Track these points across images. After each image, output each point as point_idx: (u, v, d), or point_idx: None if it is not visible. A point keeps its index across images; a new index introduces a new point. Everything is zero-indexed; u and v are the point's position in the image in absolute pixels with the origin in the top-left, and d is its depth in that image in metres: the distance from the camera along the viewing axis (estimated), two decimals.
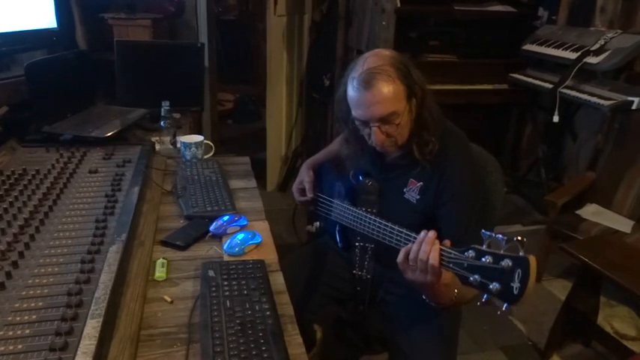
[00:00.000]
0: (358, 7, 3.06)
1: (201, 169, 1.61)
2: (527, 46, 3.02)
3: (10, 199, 1.21)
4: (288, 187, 3.32)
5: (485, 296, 0.89)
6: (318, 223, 1.54)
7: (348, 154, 1.36)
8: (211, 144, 1.79)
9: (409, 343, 1.23)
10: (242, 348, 0.85)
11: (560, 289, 2.41)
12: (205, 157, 1.76)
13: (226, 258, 1.17)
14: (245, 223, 1.31)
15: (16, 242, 1.05)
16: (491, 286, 0.86)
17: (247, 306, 0.96)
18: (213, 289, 1.01)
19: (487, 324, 2.17)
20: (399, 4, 2.77)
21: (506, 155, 3.63)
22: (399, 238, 1.12)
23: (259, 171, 2.87)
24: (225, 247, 1.20)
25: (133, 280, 1.02)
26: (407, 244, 1.05)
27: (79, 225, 1.15)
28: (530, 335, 2.14)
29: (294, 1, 3.25)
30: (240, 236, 1.22)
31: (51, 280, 0.94)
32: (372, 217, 1.22)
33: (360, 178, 1.32)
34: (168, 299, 1.02)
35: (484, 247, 0.89)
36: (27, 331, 0.81)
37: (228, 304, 0.96)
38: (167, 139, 1.83)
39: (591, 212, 2.37)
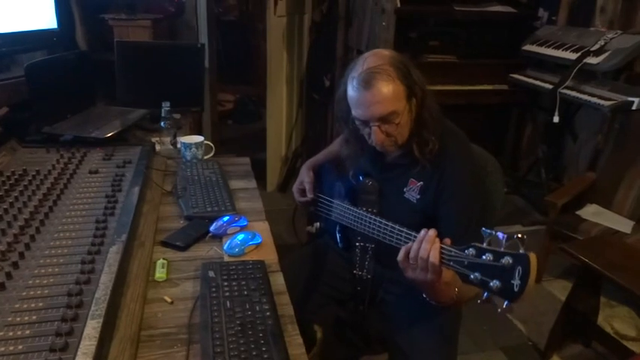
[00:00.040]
0: (358, 8, 3.06)
1: (202, 170, 1.61)
2: (528, 47, 3.02)
3: (11, 200, 1.21)
4: (289, 187, 3.32)
5: (485, 294, 0.89)
6: (318, 223, 1.54)
7: (348, 154, 1.37)
8: (211, 144, 1.80)
9: (409, 343, 1.23)
10: (242, 348, 0.85)
11: (560, 289, 2.41)
12: (205, 157, 1.76)
13: (226, 258, 1.18)
14: (245, 223, 1.31)
15: (17, 243, 1.05)
16: (491, 284, 0.86)
17: (247, 306, 0.96)
18: (214, 289, 1.01)
19: (487, 324, 2.17)
20: (399, 5, 2.77)
21: (507, 155, 3.63)
22: (399, 237, 1.12)
23: (259, 171, 2.88)
24: (225, 247, 1.20)
25: (133, 280, 1.02)
26: (407, 243, 1.05)
27: (79, 225, 1.15)
28: (530, 335, 2.14)
29: (294, 1, 3.25)
30: (241, 237, 1.22)
31: (51, 280, 0.94)
32: (373, 217, 1.22)
33: (360, 178, 1.32)
34: (169, 300, 1.02)
35: (484, 245, 0.90)
36: (27, 332, 0.81)
37: (228, 304, 0.96)
38: (167, 139, 1.83)
39: (591, 213, 2.37)
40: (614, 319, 2.22)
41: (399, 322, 1.29)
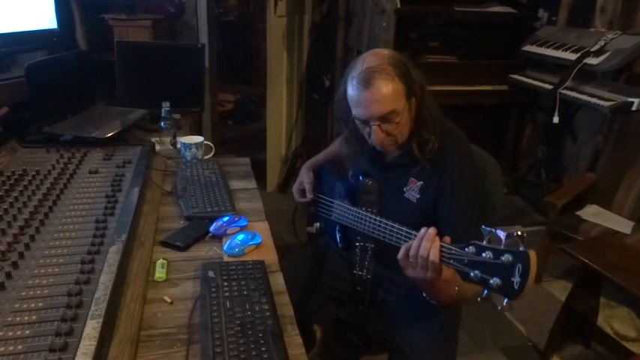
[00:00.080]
0: (358, 8, 3.06)
1: (202, 170, 1.61)
2: (527, 47, 3.02)
3: (10, 200, 1.21)
4: (288, 187, 3.32)
5: (485, 292, 0.89)
6: (318, 224, 1.54)
7: (347, 153, 1.37)
8: (211, 145, 1.80)
9: (409, 343, 1.23)
10: (242, 349, 0.85)
11: (560, 290, 2.41)
12: (205, 157, 1.76)
13: (226, 259, 1.18)
14: (245, 223, 1.31)
15: (16, 243, 1.05)
16: (491, 281, 0.86)
17: (247, 307, 0.96)
18: (213, 289, 1.01)
19: (487, 325, 2.16)
20: (398, 5, 2.77)
21: (506, 156, 3.63)
22: (399, 236, 1.12)
23: (259, 172, 2.87)
24: (225, 247, 1.20)
25: (132, 280, 1.02)
26: (407, 241, 1.05)
27: (79, 225, 1.15)
28: (530, 336, 2.14)
29: (294, 1, 3.25)
30: (240, 237, 1.22)
31: (51, 280, 0.94)
32: (372, 216, 1.22)
33: (360, 177, 1.32)
34: (168, 300, 1.02)
35: (484, 243, 0.90)
36: (27, 332, 0.81)
37: (228, 304, 0.96)
38: (167, 139, 1.83)
39: (591, 213, 2.37)
40: (613, 319, 2.22)
41: (398, 322, 1.29)
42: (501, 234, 0.88)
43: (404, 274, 1.05)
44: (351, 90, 1.16)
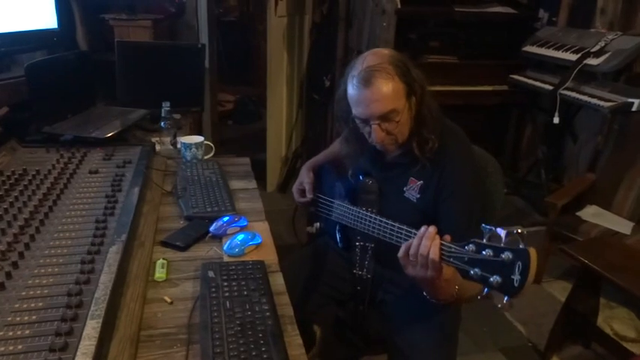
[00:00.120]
0: (358, 8, 3.06)
1: (202, 170, 1.61)
2: (528, 48, 3.02)
3: (11, 200, 1.21)
4: (288, 188, 3.32)
5: (485, 290, 0.89)
6: (318, 224, 1.54)
7: (348, 153, 1.37)
8: (211, 145, 1.80)
9: (409, 343, 1.23)
10: (242, 349, 0.85)
11: (560, 290, 2.41)
12: (205, 157, 1.76)
13: (226, 259, 1.17)
14: (245, 223, 1.31)
15: (16, 242, 1.05)
16: (491, 279, 0.86)
17: (247, 307, 0.96)
18: (213, 289, 1.01)
19: (487, 325, 2.16)
20: (399, 6, 2.77)
21: (506, 156, 3.63)
22: (399, 235, 1.12)
23: (259, 172, 2.87)
24: (225, 247, 1.20)
25: (132, 280, 1.02)
26: (407, 240, 1.05)
27: (79, 225, 1.15)
28: (530, 337, 2.14)
29: (295, 2, 3.25)
30: (240, 237, 1.22)
31: (51, 280, 0.94)
32: (373, 215, 1.22)
33: (360, 177, 1.32)
34: (168, 300, 1.02)
35: (484, 241, 0.90)
36: (27, 332, 0.81)
37: (228, 304, 0.96)
38: (167, 139, 1.83)
39: (591, 214, 2.37)
40: (613, 320, 2.22)
41: (398, 322, 1.29)
42: (501, 232, 0.88)
43: (404, 273, 1.05)
44: (351, 89, 1.16)
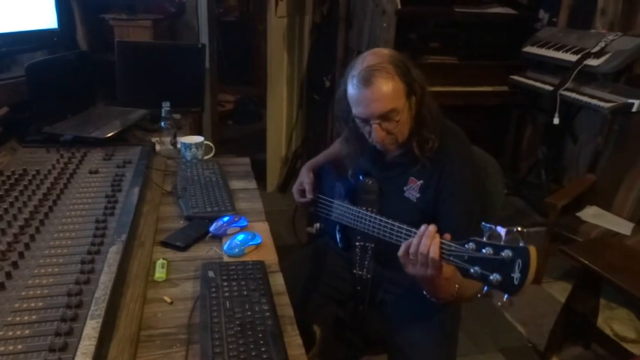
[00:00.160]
0: (358, 9, 3.06)
1: (202, 170, 1.61)
2: (528, 48, 3.02)
3: (11, 200, 1.21)
4: (289, 188, 3.32)
5: (485, 288, 0.89)
6: (318, 224, 1.54)
7: (348, 152, 1.37)
8: (211, 145, 1.80)
9: (409, 343, 1.23)
10: (242, 349, 0.85)
11: (560, 291, 2.41)
12: (205, 157, 1.76)
13: (226, 259, 1.17)
14: (245, 224, 1.31)
15: (16, 242, 1.05)
16: (491, 277, 0.86)
17: (247, 307, 0.96)
18: (213, 289, 1.00)
19: (487, 326, 2.16)
20: (399, 6, 2.77)
21: (507, 157, 3.63)
22: (399, 234, 1.12)
23: (259, 172, 2.88)
24: (225, 247, 1.20)
25: (132, 280, 1.02)
26: (407, 239, 1.05)
27: (79, 225, 1.15)
28: (530, 337, 2.14)
29: (295, 2, 3.25)
30: (240, 237, 1.22)
31: (51, 280, 0.94)
32: (373, 215, 1.22)
33: (360, 177, 1.32)
34: (168, 300, 1.02)
35: (484, 239, 0.90)
36: (27, 332, 0.81)
37: (227, 305, 0.96)
38: (167, 139, 1.83)
39: (591, 214, 2.37)
40: (613, 321, 2.22)
41: (398, 322, 1.29)
42: (501, 230, 0.88)
43: (404, 273, 1.05)
44: (352, 89, 1.16)
